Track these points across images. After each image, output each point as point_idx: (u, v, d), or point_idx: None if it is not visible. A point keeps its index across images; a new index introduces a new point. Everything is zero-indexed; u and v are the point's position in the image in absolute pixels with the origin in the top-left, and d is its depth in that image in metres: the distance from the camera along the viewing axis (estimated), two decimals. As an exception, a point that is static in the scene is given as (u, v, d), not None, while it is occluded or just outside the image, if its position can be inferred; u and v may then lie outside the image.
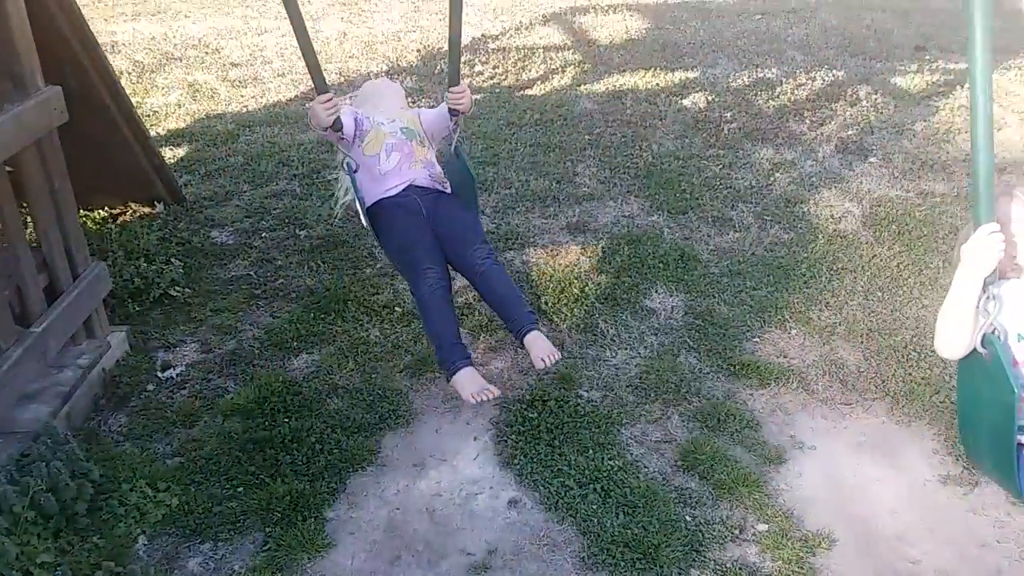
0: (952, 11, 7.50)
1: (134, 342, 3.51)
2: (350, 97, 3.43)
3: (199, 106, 6.01)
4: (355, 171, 2.93)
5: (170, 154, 5.16)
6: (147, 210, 4.50)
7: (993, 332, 1.83)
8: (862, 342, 3.44)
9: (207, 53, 7.06)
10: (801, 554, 2.51)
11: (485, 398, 2.67)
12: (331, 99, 2.77)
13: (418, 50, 7.03)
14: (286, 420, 3.05)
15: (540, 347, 2.75)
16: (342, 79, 6.44)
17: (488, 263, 2.87)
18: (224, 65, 6.80)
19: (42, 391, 2.98)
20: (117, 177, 4.21)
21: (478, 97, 5.87)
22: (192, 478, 2.82)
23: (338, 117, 2.83)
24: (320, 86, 2.76)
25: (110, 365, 3.30)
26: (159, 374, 3.36)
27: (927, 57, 6.43)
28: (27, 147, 2.76)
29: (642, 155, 5.08)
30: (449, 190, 3.09)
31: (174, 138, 5.43)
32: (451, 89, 2.93)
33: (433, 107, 3.31)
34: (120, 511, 2.63)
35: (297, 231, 4.39)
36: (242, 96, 6.21)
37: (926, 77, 6.04)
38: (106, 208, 4.45)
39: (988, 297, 1.83)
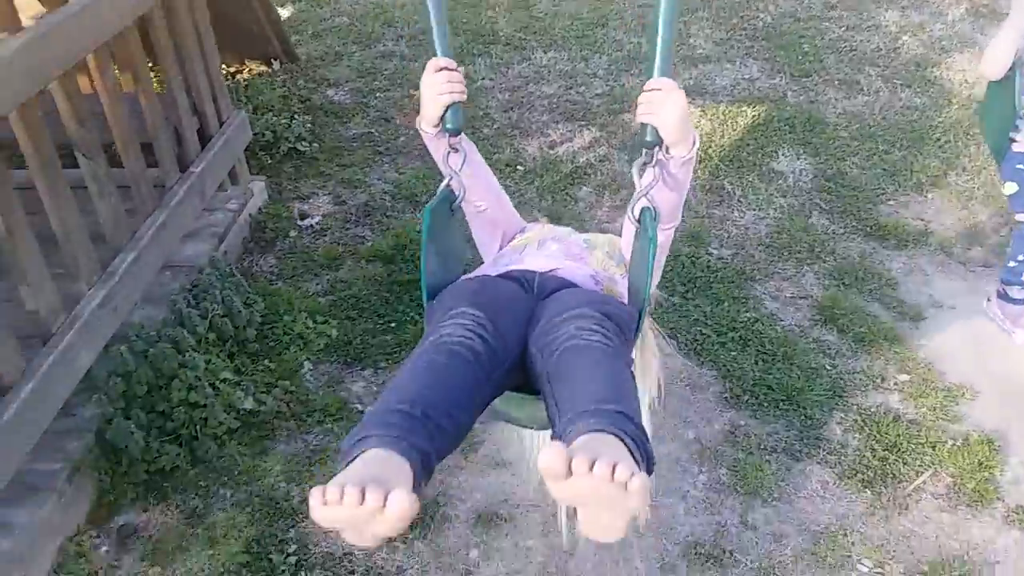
0: None
1: (271, 192, 3.63)
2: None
3: (296, -35, 5.91)
4: (457, 201, 1.68)
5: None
6: (264, 68, 4.55)
7: (1020, 58, 2.40)
8: (1001, 207, 3.35)
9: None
10: (944, 402, 2.56)
11: (355, 500, 1.04)
12: (447, 69, 1.57)
13: None
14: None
15: (605, 451, 1.10)
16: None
17: (595, 337, 1.37)
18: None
19: (198, 231, 3.14)
20: (236, 33, 4.22)
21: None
22: (346, 314, 2.98)
23: (457, 107, 1.60)
24: (442, 44, 1.60)
25: (254, 211, 3.44)
26: (299, 222, 3.49)
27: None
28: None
29: (759, 15, 4.87)
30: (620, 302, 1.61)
31: (278, -3, 5.39)
32: (647, 85, 1.55)
33: None
34: (285, 339, 2.81)
35: (411, 91, 4.39)
36: (338, -44, 6.08)
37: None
38: (224, 66, 4.50)
39: None
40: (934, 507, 2.25)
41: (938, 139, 3.75)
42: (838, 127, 3.91)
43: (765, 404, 2.58)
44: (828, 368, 2.70)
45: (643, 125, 1.51)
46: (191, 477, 2.37)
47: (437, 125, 1.63)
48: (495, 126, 4.06)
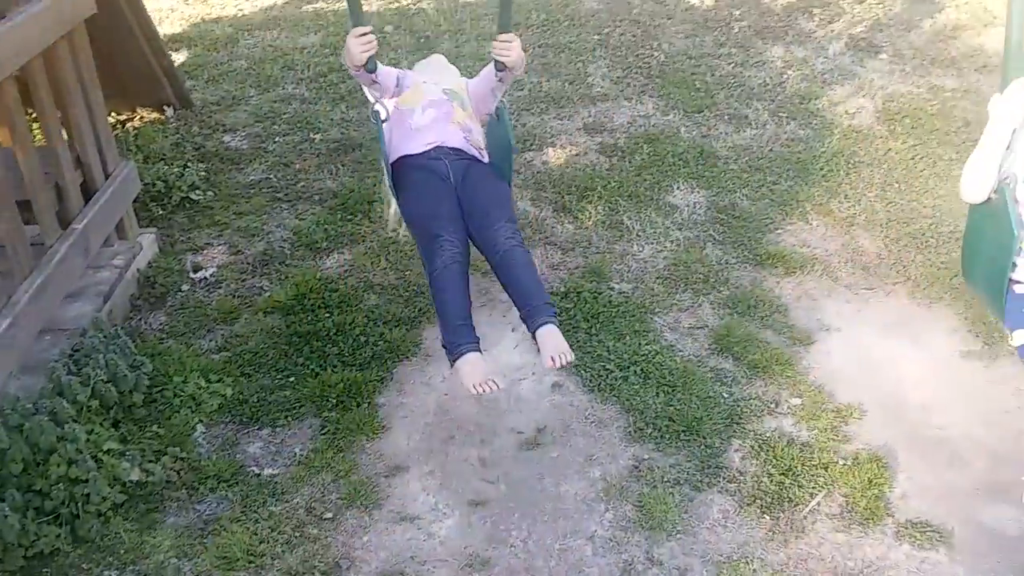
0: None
1: (162, 244, 3.51)
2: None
3: (193, 10, 5.82)
4: (384, 120, 2.76)
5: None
6: (156, 115, 4.42)
7: (1005, 179, 2.07)
8: (882, 231, 3.53)
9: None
10: (835, 423, 2.65)
11: (487, 390, 2.33)
12: (367, 34, 2.49)
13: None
14: (327, 315, 3.11)
15: (554, 344, 2.37)
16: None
17: (512, 243, 2.53)
18: (211, -32, 6.54)
19: (82, 290, 3.00)
20: (127, 80, 4.11)
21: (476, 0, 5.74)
22: (242, 370, 2.88)
23: (372, 57, 2.55)
24: (356, 18, 2.50)
25: (143, 266, 3.31)
26: (191, 275, 3.38)
27: (933, -47, 6.33)
28: (60, 39, 2.69)
29: (653, 55, 5.04)
30: (486, 159, 2.84)
31: (172, 43, 5.27)
32: (498, 37, 2.56)
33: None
34: (176, 401, 2.70)
35: (311, 135, 4.34)
36: (236, 2, 6.01)
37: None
38: (113, 114, 4.37)
39: (1006, 147, 2.02)
40: (829, 528, 2.32)
41: (821, 168, 3.93)
42: (729, 160, 4.05)
43: (667, 436, 2.62)
44: (725, 396, 2.76)
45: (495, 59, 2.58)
46: (73, 559, 2.23)
47: (359, 69, 2.57)
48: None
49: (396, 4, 5.78)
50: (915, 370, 2.87)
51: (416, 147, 2.73)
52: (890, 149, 4.07)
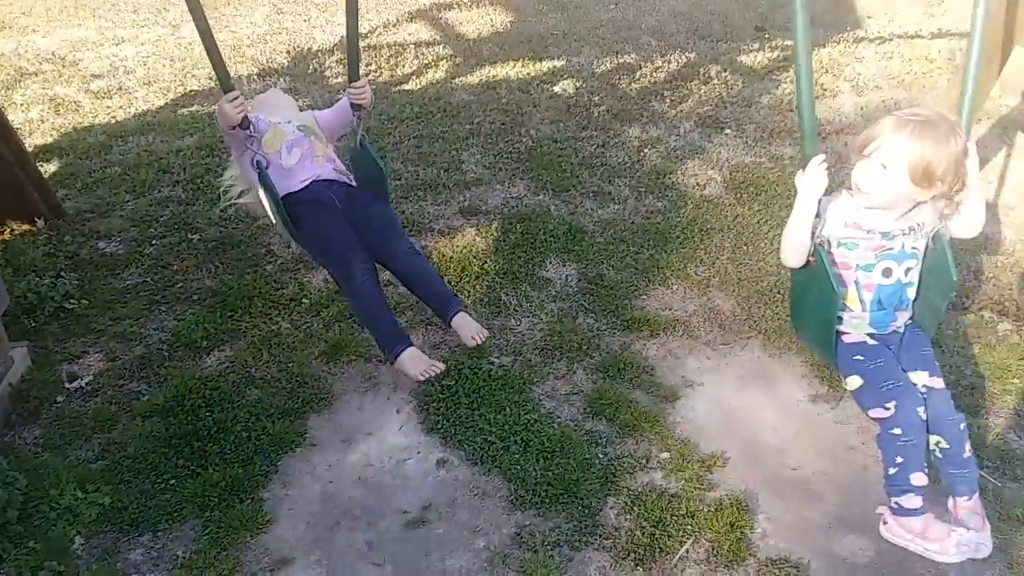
0: (784, -5, 8.23)
1: (36, 357, 3.45)
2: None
3: (63, 120, 5.79)
4: (266, 167, 2.94)
5: (41, 170, 4.97)
6: (27, 227, 4.36)
7: (820, 244, 2.27)
8: (734, 290, 3.84)
9: (64, 66, 6.77)
10: (700, 472, 2.84)
11: (433, 373, 2.73)
12: (238, 97, 2.80)
13: (287, 51, 7.02)
14: (208, 414, 3.12)
15: (469, 327, 2.85)
16: (212, 83, 6.36)
17: (410, 252, 2.96)
18: (84, 77, 6.56)
19: (-53, 411, 2.91)
20: (-8, 194, 4.07)
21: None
22: (120, 477, 2.85)
23: (246, 116, 2.86)
24: (226, 84, 2.80)
25: (15, 380, 3.24)
26: (67, 385, 3.33)
27: (766, 36, 7.03)
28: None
29: (522, 140, 5.35)
30: (355, 183, 3.17)
31: (43, 153, 5.23)
32: (352, 84, 3.10)
33: (323, 108, 3.41)
34: (52, 515, 2.65)
35: (189, 235, 4.38)
36: (108, 107, 6.03)
37: (767, 54, 6.63)
38: (-20, 228, 4.29)
39: (815, 215, 2.25)
40: (697, 573, 2.48)
41: (678, 236, 4.26)
42: (595, 234, 4.33)
43: (547, 500, 2.74)
44: (600, 456, 2.92)
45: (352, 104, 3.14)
46: None
47: (234, 128, 2.87)
48: (278, 262, 4.13)
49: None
50: (770, 416, 3.12)
51: (294, 185, 3.00)
52: (738, 215, 4.45)
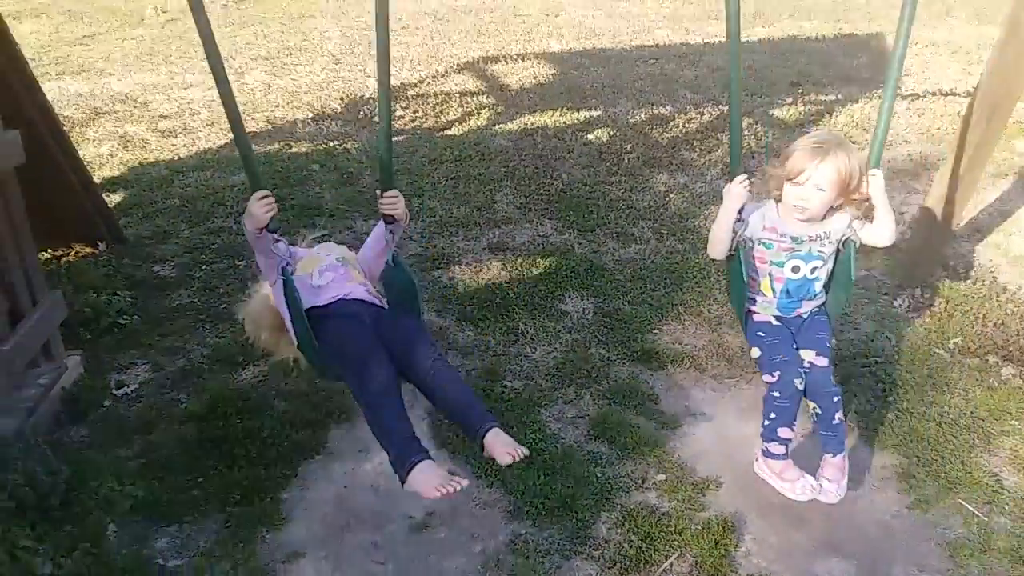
0: (823, 51, 8.42)
1: (88, 365, 3.76)
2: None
3: (131, 155, 6.28)
4: (291, 274, 2.69)
5: (107, 200, 5.40)
6: (89, 250, 4.76)
7: (744, 243, 2.72)
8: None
9: (135, 107, 7.34)
10: (693, 495, 2.96)
11: (452, 489, 2.27)
12: (268, 196, 2.55)
13: (341, 98, 7.48)
14: (238, 421, 3.37)
15: (504, 442, 2.42)
16: (269, 126, 6.82)
17: (439, 365, 2.60)
18: (153, 117, 7.09)
19: (7, 407, 3.22)
20: (62, 219, 4.47)
21: (398, 139, 6.33)
22: (155, 474, 3.10)
23: (274, 218, 2.60)
24: (255, 183, 2.58)
25: (68, 385, 3.55)
26: (114, 391, 3.62)
27: (801, 91, 7.22)
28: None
29: (553, 183, 5.61)
30: (387, 306, 2.89)
31: (110, 185, 5.68)
32: (384, 194, 2.75)
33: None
34: (90, 504, 2.89)
35: (236, 262, 4.71)
36: (173, 145, 6.51)
37: (800, 108, 6.81)
38: (48, 250, 4.69)
39: (739, 220, 2.71)
40: (679, 584, 2.59)
41: (695, 277, 4.42)
42: (615, 272, 4.52)
43: (544, 513, 2.89)
44: (599, 475, 3.07)
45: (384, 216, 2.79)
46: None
47: (261, 230, 2.59)
48: (314, 289, 4.41)
49: (323, 145, 6.34)
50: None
51: (320, 301, 2.75)
52: (756, 258, 4.59)
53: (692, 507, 2.90)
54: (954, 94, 6.90)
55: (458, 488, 2.27)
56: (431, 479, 2.29)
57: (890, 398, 3.41)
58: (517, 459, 2.37)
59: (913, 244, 4.17)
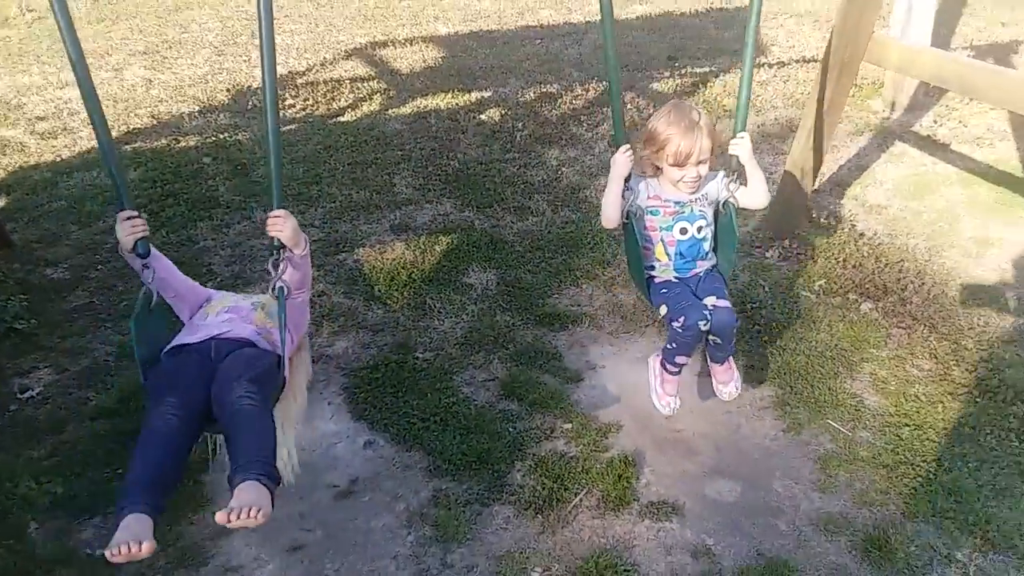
0: (697, 25, 8.86)
1: (-13, 372, 3.69)
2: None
3: (9, 160, 6.03)
4: (150, 301, 2.61)
5: (-12, 205, 5.23)
6: (-25, 256, 4.60)
7: (634, 212, 2.88)
8: (633, 290, 4.27)
9: (9, 110, 7.01)
10: (597, 438, 3.22)
11: (128, 550, 2.01)
12: (134, 217, 2.48)
13: (227, 90, 7.37)
14: (153, 412, 3.39)
15: (249, 497, 2.11)
16: (154, 121, 6.68)
17: (244, 401, 2.32)
18: (29, 120, 6.81)
19: (-95, 418, 3.15)
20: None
21: (291, 128, 6.33)
22: (72, 471, 3.11)
23: (141, 241, 2.51)
24: (123, 200, 2.51)
25: (-32, 392, 3.48)
26: (19, 395, 3.57)
27: (677, 65, 7.62)
28: None
29: (450, 163, 5.77)
30: (278, 352, 2.63)
31: (-11, 190, 5.47)
32: (269, 214, 2.53)
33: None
34: (8, 504, 2.89)
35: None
36: (54, 147, 6.29)
37: (677, 81, 7.19)
38: (-71, 259, 4.52)
39: (627, 188, 2.87)
40: (588, 517, 2.84)
41: (588, 244, 4.68)
42: (515, 243, 4.74)
43: (462, 468, 3.09)
44: (511, 430, 3.28)
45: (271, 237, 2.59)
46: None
47: (131, 252, 2.53)
48: (218, 280, 4.43)
49: (213, 138, 6.26)
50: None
51: (193, 338, 2.60)
52: (644, 222, 4.90)
53: (597, 449, 3.16)
54: (815, 60, 7.43)
55: (127, 552, 2.01)
56: (122, 533, 2.05)
57: (765, 338, 3.76)
58: (241, 521, 2.06)
59: (780, 199, 4.56)
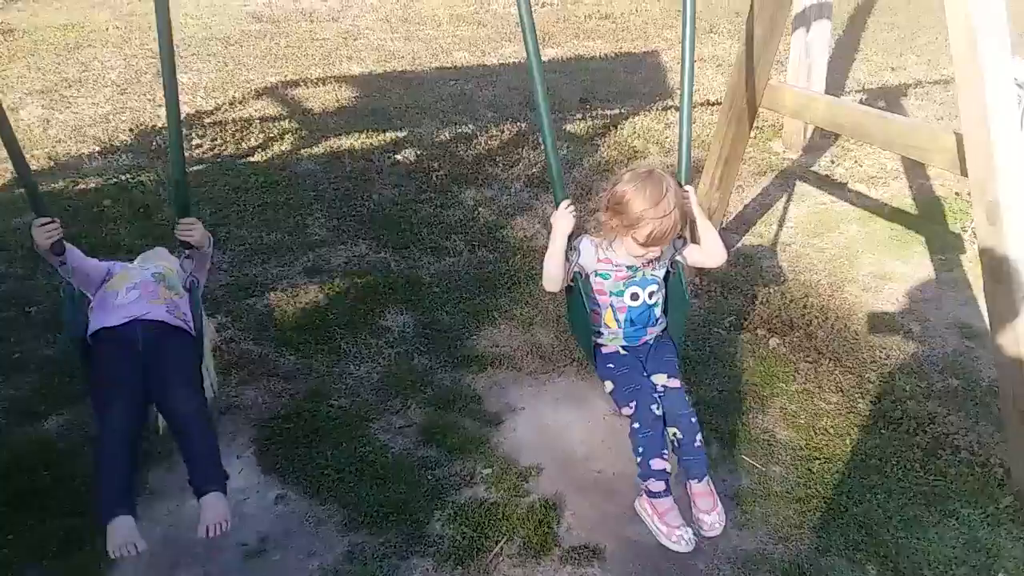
0: (607, 69, 9.11)
1: None
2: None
3: None
4: (74, 297, 2.94)
5: None
6: None
7: (580, 273, 2.69)
8: (554, 326, 4.28)
9: None
10: (518, 483, 3.19)
11: (127, 552, 2.41)
12: (50, 223, 2.73)
13: (130, 130, 7.11)
14: (45, 472, 3.19)
15: (215, 511, 2.53)
16: (52, 163, 6.38)
17: (189, 409, 2.71)
18: (-90, 158, 6.39)
19: None
20: None
21: (198, 168, 6.15)
22: (-54, 543, 2.87)
23: (58, 241, 2.76)
24: (39, 210, 2.75)
25: None
26: None
27: (588, 107, 7.80)
28: None
29: (365, 204, 5.70)
30: (191, 329, 3.00)
31: None
32: (180, 221, 2.86)
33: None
34: None
35: (26, 309, 4.40)
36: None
37: (589, 123, 7.35)
38: None
39: (571, 248, 2.66)
40: (510, 565, 2.79)
41: (506, 283, 4.69)
42: (432, 284, 4.69)
43: (379, 520, 2.99)
44: (429, 478, 3.21)
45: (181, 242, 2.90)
46: None
47: (48, 252, 2.78)
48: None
49: (115, 179, 6.02)
50: (580, 430, 3.52)
51: (112, 321, 2.86)
52: (560, 261, 4.95)
53: (517, 494, 3.12)
54: (719, 103, 7.74)
55: (130, 552, 2.41)
56: (116, 536, 2.43)
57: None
58: (213, 534, 2.49)
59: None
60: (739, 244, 5.14)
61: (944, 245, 5.07)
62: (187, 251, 2.93)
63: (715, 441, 3.42)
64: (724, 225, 5.03)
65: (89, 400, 2.94)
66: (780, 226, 5.40)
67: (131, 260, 3.37)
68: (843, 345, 4.04)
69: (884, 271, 4.78)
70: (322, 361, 3.98)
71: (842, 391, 3.73)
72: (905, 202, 5.69)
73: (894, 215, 5.48)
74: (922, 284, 4.66)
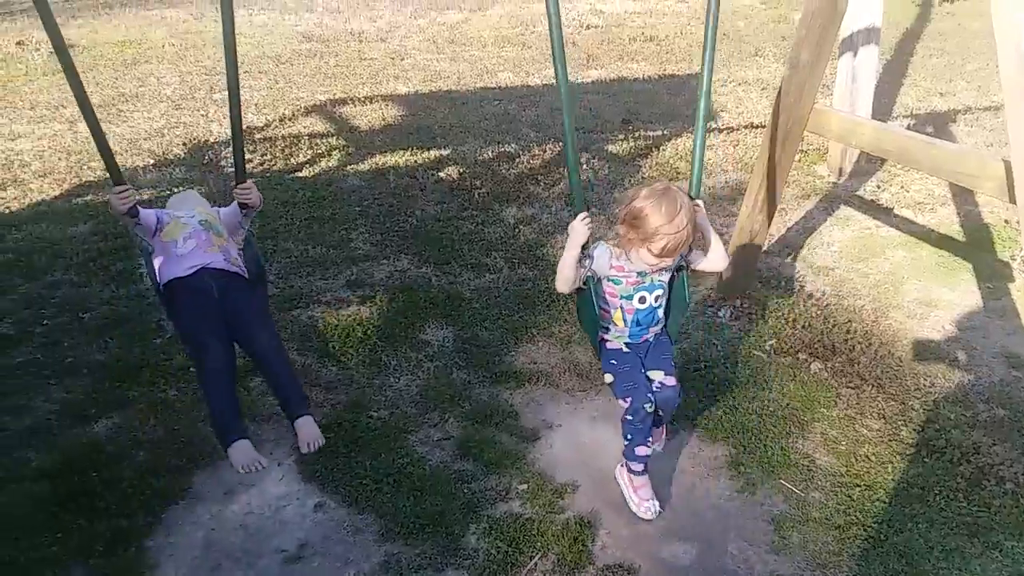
0: (650, 91, 9.14)
1: (-81, 431, 3.53)
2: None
3: (-46, 211, 5.90)
4: (151, 253, 3.50)
5: (-71, 256, 5.07)
6: (-88, 310, 4.45)
7: (592, 277, 2.97)
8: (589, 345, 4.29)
9: (-44, 160, 6.88)
10: (553, 499, 3.19)
11: (254, 469, 3.24)
12: (126, 190, 3.29)
13: (183, 144, 7.34)
14: (95, 474, 3.28)
15: (308, 432, 3.38)
16: (108, 174, 6.59)
17: (273, 352, 3.44)
18: (-23, 170, 6.68)
19: None
20: None
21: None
22: (8, 535, 2.97)
23: (134, 205, 3.32)
24: (115, 177, 3.30)
25: (-103, 453, 3.33)
26: (-47, 456, 3.42)
27: (631, 128, 7.83)
28: None
29: (408, 220, 5.80)
30: (245, 273, 3.65)
31: (-69, 242, 5.32)
32: (239, 185, 3.51)
33: (220, 196, 3.97)
34: (-64, 572, 2.74)
35: (80, 315, 4.56)
36: (2, 198, 6.18)
37: (631, 144, 7.38)
38: None
39: (586, 256, 2.91)
40: (544, 581, 2.80)
41: (545, 301, 4.72)
42: (472, 300, 4.75)
43: (415, 531, 3.03)
44: (465, 491, 3.24)
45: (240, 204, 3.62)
46: None
47: (123, 216, 3.35)
48: (167, 335, 4.33)
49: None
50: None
51: (181, 271, 3.43)
52: (599, 280, 4.97)
53: (552, 511, 3.13)
54: (763, 126, 7.71)
55: (258, 468, 3.26)
56: (240, 457, 3.24)
57: (719, 397, 3.81)
58: (312, 449, 3.34)
59: (731, 260, 4.66)
60: (782, 267, 5.10)
61: (992, 273, 4.97)
62: (244, 210, 3.60)
63: (754, 465, 3.39)
64: (767, 248, 5.00)
65: (183, 346, 3.67)
66: (824, 250, 5.35)
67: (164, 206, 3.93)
68: (886, 372, 3.98)
69: (930, 298, 4.71)
70: (363, 373, 4.05)
71: (885, 418, 3.67)
72: (952, 229, 5.59)
73: (941, 241, 5.40)
74: (969, 312, 4.57)
